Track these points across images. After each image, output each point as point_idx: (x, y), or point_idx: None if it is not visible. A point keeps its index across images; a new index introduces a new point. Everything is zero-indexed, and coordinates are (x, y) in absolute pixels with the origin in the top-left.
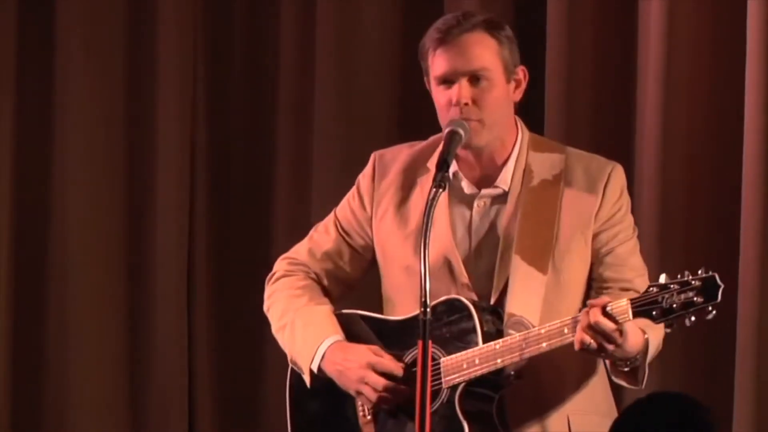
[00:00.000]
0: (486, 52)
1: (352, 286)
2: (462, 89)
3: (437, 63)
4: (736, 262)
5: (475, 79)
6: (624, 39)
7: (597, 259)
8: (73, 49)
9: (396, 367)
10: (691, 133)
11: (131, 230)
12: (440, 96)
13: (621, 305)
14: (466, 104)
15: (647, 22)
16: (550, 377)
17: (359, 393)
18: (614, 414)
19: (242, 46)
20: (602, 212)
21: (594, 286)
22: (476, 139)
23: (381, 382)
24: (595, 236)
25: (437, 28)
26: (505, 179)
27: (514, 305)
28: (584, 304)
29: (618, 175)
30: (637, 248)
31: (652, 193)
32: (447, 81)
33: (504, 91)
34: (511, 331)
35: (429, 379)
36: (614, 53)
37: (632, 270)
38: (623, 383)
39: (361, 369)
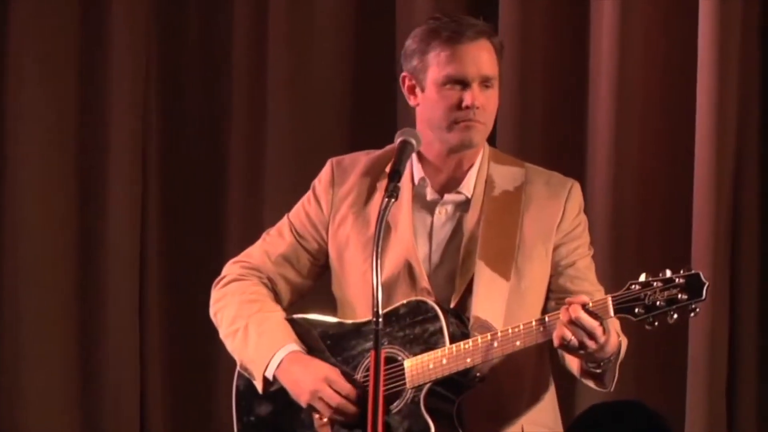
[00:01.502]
0: (492, 58)
1: (303, 292)
2: (477, 93)
3: (451, 63)
4: None
5: (485, 84)
6: (576, 47)
7: (557, 271)
8: (26, 51)
9: (351, 388)
10: (644, 141)
11: (83, 233)
12: (446, 95)
13: (601, 302)
14: (478, 108)
15: (599, 29)
16: (510, 386)
17: (311, 406)
18: (560, 430)
19: (195, 44)
20: (564, 224)
21: (553, 297)
22: (477, 138)
23: (335, 398)
24: (555, 248)
25: (445, 28)
26: (468, 186)
27: (479, 309)
28: (543, 313)
29: (577, 191)
30: (593, 266)
31: (604, 203)
32: (459, 82)
33: (497, 98)
34: (475, 334)
35: (381, 387)
36: (566, 62)
37: (592, 284)
38: (591, 384)
39: (317, 382)
